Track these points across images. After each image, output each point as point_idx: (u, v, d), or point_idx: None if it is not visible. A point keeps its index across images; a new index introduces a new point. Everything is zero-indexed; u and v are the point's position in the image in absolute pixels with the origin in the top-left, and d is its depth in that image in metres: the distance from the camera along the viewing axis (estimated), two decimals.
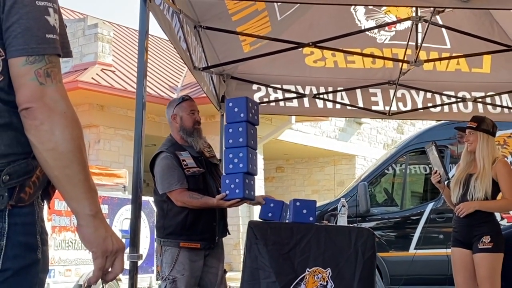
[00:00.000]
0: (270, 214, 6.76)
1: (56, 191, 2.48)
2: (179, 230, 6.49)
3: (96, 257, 2.38)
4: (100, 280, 2.45)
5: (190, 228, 6.46)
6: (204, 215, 6.47)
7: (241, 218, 19.11)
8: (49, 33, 2.26)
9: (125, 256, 5.14)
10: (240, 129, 6.36)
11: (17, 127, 2.25)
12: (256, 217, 19.79)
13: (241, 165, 6.26)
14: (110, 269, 2.43)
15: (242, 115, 6.39)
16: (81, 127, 2.32)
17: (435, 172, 7.11)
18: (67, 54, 2.40)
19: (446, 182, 7.11)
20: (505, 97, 9.41)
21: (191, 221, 6.45)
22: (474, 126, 6.85)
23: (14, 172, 2.24)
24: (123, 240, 2.56)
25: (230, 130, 6.42)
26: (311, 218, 6.68)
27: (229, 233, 6.99)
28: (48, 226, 10.71)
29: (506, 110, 9.44)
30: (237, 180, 6.25)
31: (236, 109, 6.43)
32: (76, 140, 2.27)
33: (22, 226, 2.27)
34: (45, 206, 2.49)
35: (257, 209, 20.65)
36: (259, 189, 20.88)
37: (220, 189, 6.53)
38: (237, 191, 6.22)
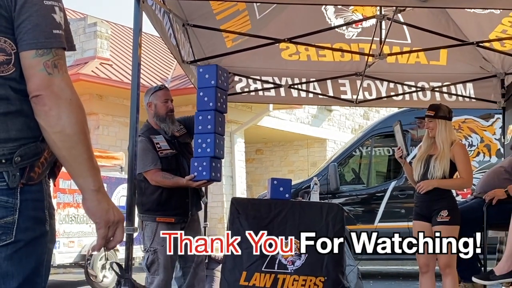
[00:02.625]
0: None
1: (61, 170, 2.51)
2: (155, 207, 6.55)
3: (100, 227, 2.41)
4: (102, 248, 2.48)
5: (164, 204, 6.52)
6: (177, 193, 6.51)
7: (224, 195, 19.12)
8: (56, 29, 2.28)
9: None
10: (209, 117, 6.39)
11: (27, 113, 2.27)
12: (238, 193, 19.88)
13: (208, 150, 6.32)
14: (112, 238, 2.46)
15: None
16: (85, 112, 2.35)
17: (399, 148, 7.14)
18: (71, 48, 2.42)
19: (406, 156, 7.15)
20: (459, 86, 9.45)
21: (165, 198, 6.51)
22: (432, 114, 6.83)
23: (25, 154, 2.26)
24: None
25: (200, 118, 6.43)
26: (287, 195, 6.72)
27: (200, 208, 7.03)
28: (53, 202, 10.69)
29: (460, 98, 9.48)
30: (204, 164, 6.29)
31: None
32: (81, 124, 2.30)
33: (32, 202, 2.29)
34: (52, 184, 2.51)
35: (239, 186, 20.72)
36: (241, 170, 20.93)
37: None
38: (204, 173, 6.28)
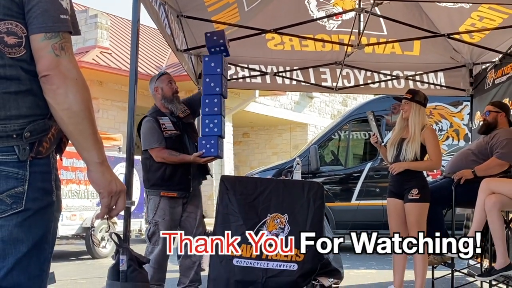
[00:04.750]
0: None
1: (67, 146, 2.53)
2: (160, 182, 6.62)
3: (103, 197, 2.44)
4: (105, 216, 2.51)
5: (168, 180, 6.59)
6: (180, 170, 6.59)
7: (214, 175, 19.14)
8: (63, 14, 2.29)
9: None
10: (215, 100, 6.48)
11: (36, 92, 2.29)
12: (226, 172, 19.91)
13: (215, 129, 6.41)
14: (114, 207, 2.49)
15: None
16: (89, 91, 2.37)
17: (373, 135, 7.18)
18: (77, 33, 2.43)
19: (381, 143, 7.19)
20: (431, 75, 9.50)
21: (168, 175, 6.57)
22: (409, 97, 6.82)
23: (34, 130, 2.27)
24: None
25: (207, 101, 6.49)
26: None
27: (205, 179, 7.11)
28: None
29: (432, 86, 9.53)
30: (212, 142, 6.39)
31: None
32: (86, 102, 2.32)
33: (40, 174, 2.31)
34: (58, 158, 2.53)
35: (227, 167, 20.74)
36: (229, 151, 20.98)
37: (197, 144, 6.62)
38: (212, 150, 6.40)
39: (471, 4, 7.41)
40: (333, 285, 6.72)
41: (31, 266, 2.32)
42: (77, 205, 11.35)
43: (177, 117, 6.78)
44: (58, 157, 2.50)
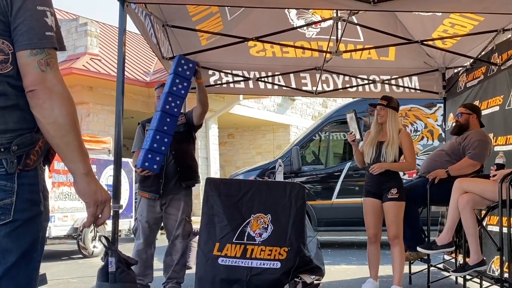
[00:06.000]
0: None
1: (55, 157, 2.50)
2: (139, 183, 7.00)
3: (89, 206, 2.41)
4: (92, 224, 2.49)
5: (143, 181, 6.86)
6: (153, 174, 6.64)
7: (200, 174, 19.05)
8: (48, 31, 2.27)
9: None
10: (156, 115, 6.38)
11: (23, 107, 2.26)
12: (212, 175, 19.88)
13: (163, 148, 6.28)
14: (100, 216, 2.46)
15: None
16: (75, 104, 2.34)
17: (351, 133, 7.18)
18: (62, 48, 2.41)
19: (359, 141, 7.20)
20: (406, 79, 9.53)
21: (143, 177, 6.77)
22: (385, 104, 6.92)
23: (21, 143, 2.25)
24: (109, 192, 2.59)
25: (154, 116, 6.45)
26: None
27: (191, 185, 7.11)
28: (49, 181, 10.72)
29: (407, 89, 9.56)
30: (158, 159, 6.26)
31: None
32: (71, 115, 2.29)
33: (28, 186, 2.29)
34: (46, 169, 2.51)
35: (213, 167, 20.67)
36: (214, 152, 20.94)
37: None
38: (155, 166, 6.25)
39: (442, 12, 7.43)
40: (315, 282, 6.72)
41: (20, 275, 2.29)
42: (69, 207, 11.30)
43: None
44: (46, 168, 2.48)
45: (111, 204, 2.53)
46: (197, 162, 7.32)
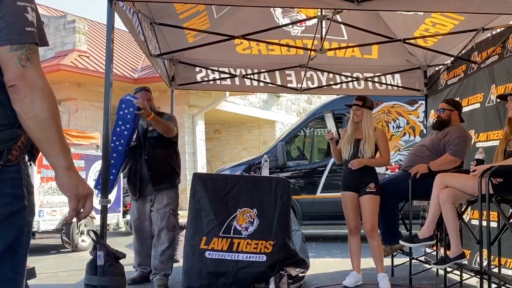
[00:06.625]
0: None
1: (39, 152, 2.48)
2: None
3: (70, 200, 2.38)
4: (75, 218, 2.46)
5: (127, 182, 7.37)
6: (132, 177, 7.18)
7: (187, 169, 19.12)
8: (28, 27, 2.25)
9: (97, 200, 5.15)
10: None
11: (4, 103, 2.23)
12: (199, 170, 19.86)
13: (113, 171, 6.53)
14: (82, 210, 2.44)
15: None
16: (56, 99, 2.31)
17: (329, 132, 7.31)
18: (44, 44, 2.38)
19: (337, 139, 7.32)
20: (389, 77, 9.57)
21: (127, 178, 7.34)
22: (360, 104, 7.17)
23: (2, 139, 2.23)
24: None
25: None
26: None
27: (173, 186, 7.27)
28: (38, 177, 10.68)
29: (389, 87, 9.60)
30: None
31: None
32: (52, 110, 2.26)
33: (11, 181, 2.26)
34: (33, 165, 2.48)
35: (200, 162, 20.63)
36: (201, 147, 20.91)
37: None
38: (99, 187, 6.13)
39: (424, 12, 7.44)
40: (300, 274, 6.74)
41: (5, 269, 2.27)
42: (57, 201, 11.23)
43: (145, 130, 7.10)
44: (32, 164, 2.45)
45: (100, 199, 2.53)
46: (178, 162, 7.30)
